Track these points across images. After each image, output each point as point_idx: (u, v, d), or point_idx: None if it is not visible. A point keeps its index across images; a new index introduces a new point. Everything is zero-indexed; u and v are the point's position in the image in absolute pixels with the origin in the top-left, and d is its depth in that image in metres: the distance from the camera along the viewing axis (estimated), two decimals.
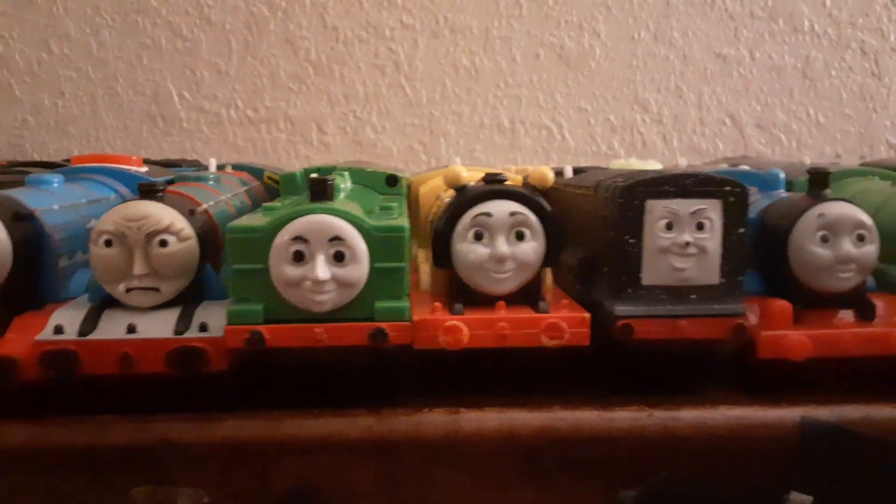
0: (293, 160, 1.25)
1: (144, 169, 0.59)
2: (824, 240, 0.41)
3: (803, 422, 0.40)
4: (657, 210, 0.40)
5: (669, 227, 0.40)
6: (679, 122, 1.29)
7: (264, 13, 1.24)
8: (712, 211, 0.40)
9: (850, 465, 0.40)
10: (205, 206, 0.43)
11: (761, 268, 0.45)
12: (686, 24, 1.26)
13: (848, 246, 0.41)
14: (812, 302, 0.43)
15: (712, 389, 0.43)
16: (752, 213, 0.47)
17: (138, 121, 1.25)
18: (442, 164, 1.27)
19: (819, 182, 0.43)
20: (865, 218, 0.42)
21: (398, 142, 1.27)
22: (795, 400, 0.41)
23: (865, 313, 0.43)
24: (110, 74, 1.22)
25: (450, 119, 1.26)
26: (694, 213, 0.40)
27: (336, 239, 0.37)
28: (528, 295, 0.42)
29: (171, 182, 0.48)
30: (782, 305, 0.41)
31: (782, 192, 0.49)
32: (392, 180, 0.55)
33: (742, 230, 0.41)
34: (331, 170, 0.53)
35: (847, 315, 0.43)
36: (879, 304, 0.43)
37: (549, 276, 0.46)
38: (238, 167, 0.63)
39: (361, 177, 0.54)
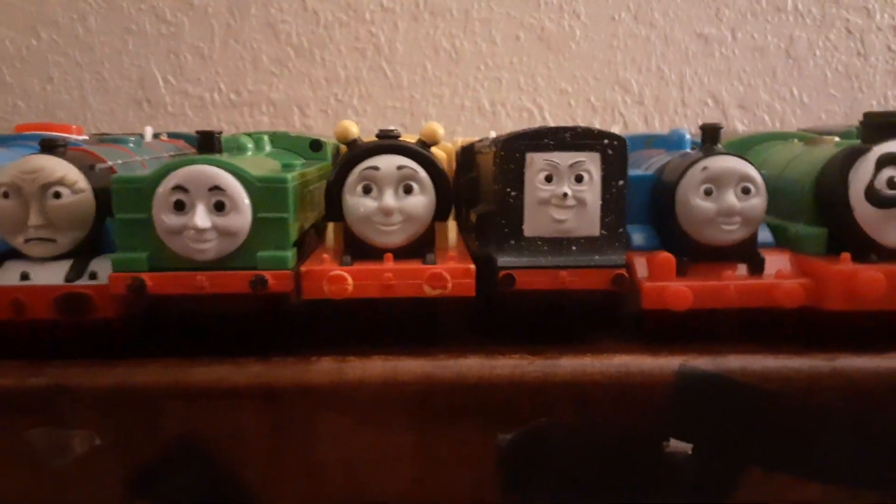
0: None
1: (84, 137, 0.61)
2: (708, 193, 0.42)
3: (681, 370, 0.40)
4: (537, 162, 0.41)
5: (549, 179, 0.41)
6: (661, 103, 1.28)
7: None
8: (591, 163, 0.41)
9: (726, 413, 0.40)
10: (110, 163, 0.45)
11: (657, 223, 0.45)
12: (667, 3, 1.26)
13: (731, 198, 0.41)
14: (701, 255, 0.43)
15: (603, 339, 0.44)
16: (652, 170, 0.47)
17: (124, 105, 1.27)
18: None
19: (710, 137, 0.44)
20: (751, 171, 0.42)
21: (380, 124, 1.27)
22: (677, 349, 0.41)
23: (754, 267, 0.43)
24: (97, 59, 1.24)
25: (431, 101, 1.26)
26: (572, 165, 0.41)
27: (216, 188, 0.38)
28: (418, 248, 0.43)
29: (84, 143, 0.50)
30: (666, 257, 0.42)
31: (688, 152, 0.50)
32: (316, 145, 0.56)
33: (621, 182, 0.41)
34: (252, 134, 0.54)
35: (738, 268, 0.43)
36: (773, 258, 0.44)
37: (450, 231, 0.47)
38: (174, 135, 0.65)
39: (285, 141, 0.56)
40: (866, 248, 0.41)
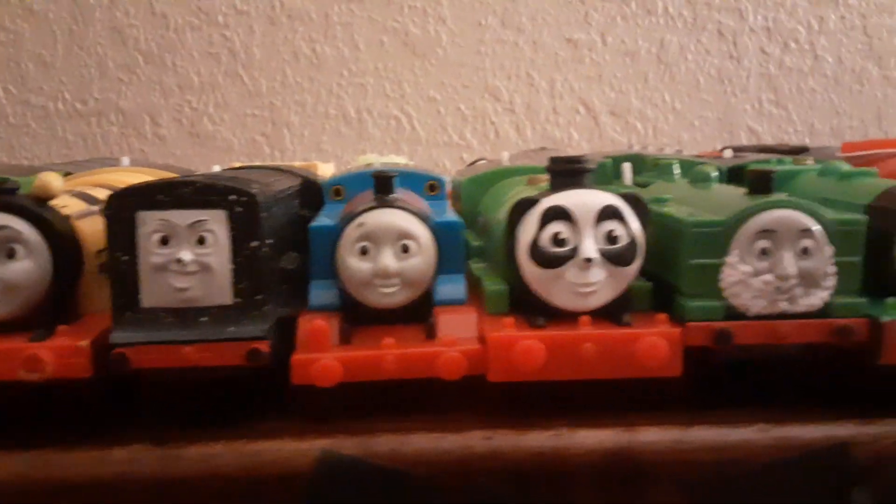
0: (126, 154, 1.19)
1: None
2: (364, 251, 0.37)
3: (322, 456, 0.35)
4: (150, 222, 0.35)
5: (165, 241, 0.35)
6: (532, 111, 1.24)
7: (89, 1, 1.17)
8: (215, 223, 0.35)
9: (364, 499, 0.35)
10: None
11: None
12: (534, 8, 1.22)
13: (387, 258, 0.36)
14: (369, 318, 0.38)
15: (251, 419, 0.38)
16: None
17: None
18: (287, 158, 1.22)
19: (381, 187, 0.38)
20: (412, 227, 0.37)
21: (238, 133, 1.21)
22: (327, 429, 0.36)
23: (429, 330, 0.38)
24: None
25: (292, 109, 1.20)
26: (192, 225, 0.35)
27: None
28: (34, 319, 0.37)
29: None
30: (318, 326, 0.36)
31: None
32: None
33: (255, 244, 0.36)
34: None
35: (407, 333, 0.38)
36: (457, 318, 0.39)
37: None
38: None
39: None
40: (536, 310, 0.37)
